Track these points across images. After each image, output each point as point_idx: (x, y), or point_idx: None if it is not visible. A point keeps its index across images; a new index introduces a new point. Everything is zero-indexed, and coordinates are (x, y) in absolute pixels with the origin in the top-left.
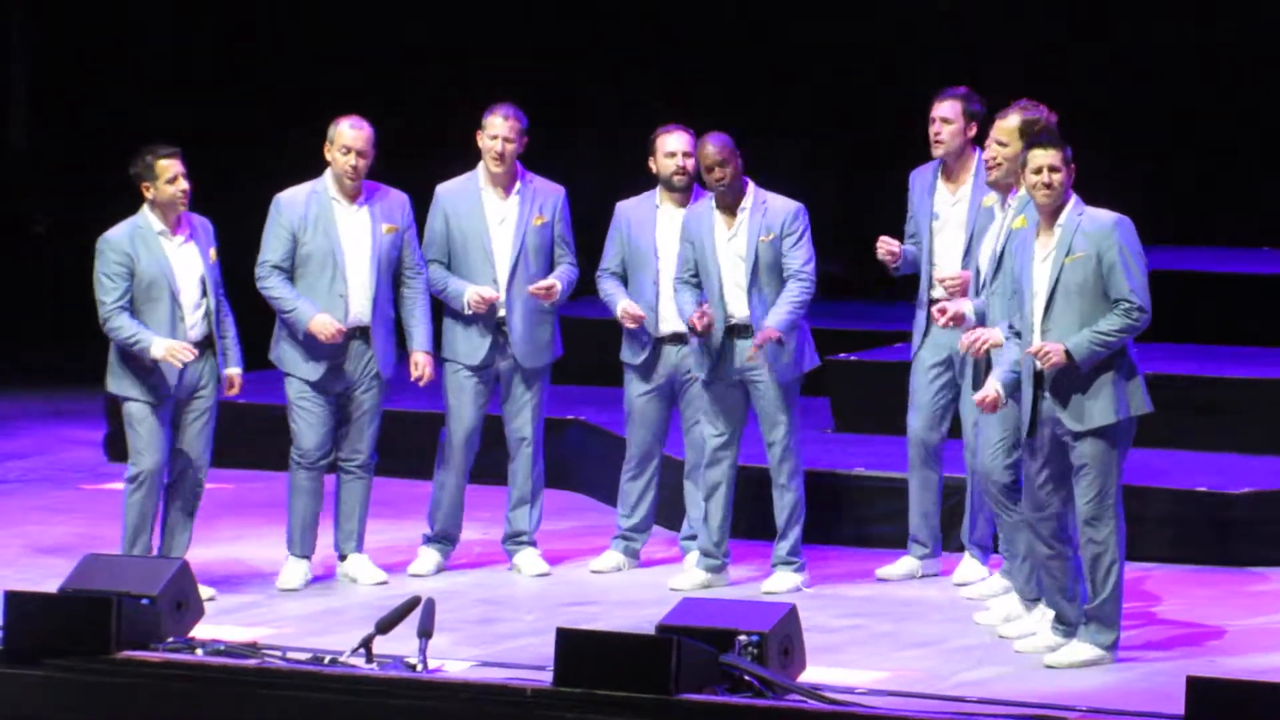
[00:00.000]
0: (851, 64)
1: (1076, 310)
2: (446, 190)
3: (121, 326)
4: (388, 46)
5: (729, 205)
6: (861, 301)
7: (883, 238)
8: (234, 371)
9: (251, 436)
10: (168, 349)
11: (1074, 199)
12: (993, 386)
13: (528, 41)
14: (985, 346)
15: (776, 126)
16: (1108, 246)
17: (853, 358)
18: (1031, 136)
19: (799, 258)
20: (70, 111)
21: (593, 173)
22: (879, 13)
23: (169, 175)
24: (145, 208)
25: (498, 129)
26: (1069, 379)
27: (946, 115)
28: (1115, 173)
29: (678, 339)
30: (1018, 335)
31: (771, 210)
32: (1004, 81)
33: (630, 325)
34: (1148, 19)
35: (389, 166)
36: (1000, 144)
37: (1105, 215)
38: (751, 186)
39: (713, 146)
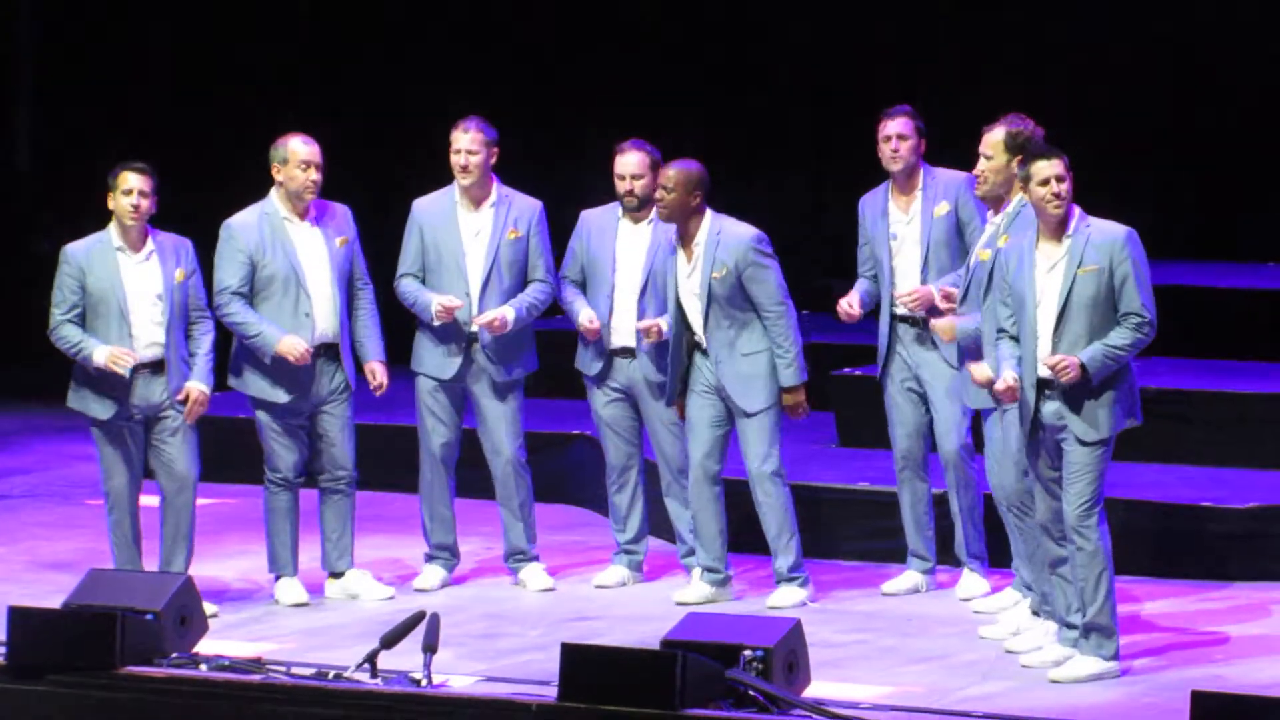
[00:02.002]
0: (849, 82)
1: (1087, 322)
2: (422, 205)
3: (66, 336)
4: (375, 61)
5: (687, 238)
6: (865, 316)
7: (841, 301)
8: (191, 385)
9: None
10: (109, 356)
11: (1077, 209)
12: (1010, 375)
13: (517, 58)
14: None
15: (775, 138)
16: (1120, 260)
17: (856, 372)
18: (1030, 148)
19: (764, 295)
20: (74, 133)
21: (581, 191)
22: (878, 33)
23: (125, 187)
24: (111, 223)
25: (460, 142)
26: (1081, 389)
27: (903, 132)
28: (1116, 186)
29: (629, 353)
30: (1013, 339)
31: (725, 244)
32: (1007, 95)
33: (588, 337)
34: (1151, 30)
35: (375, 182)
36: (986, 157)
37: (1114, 227)
38: (709, 217)
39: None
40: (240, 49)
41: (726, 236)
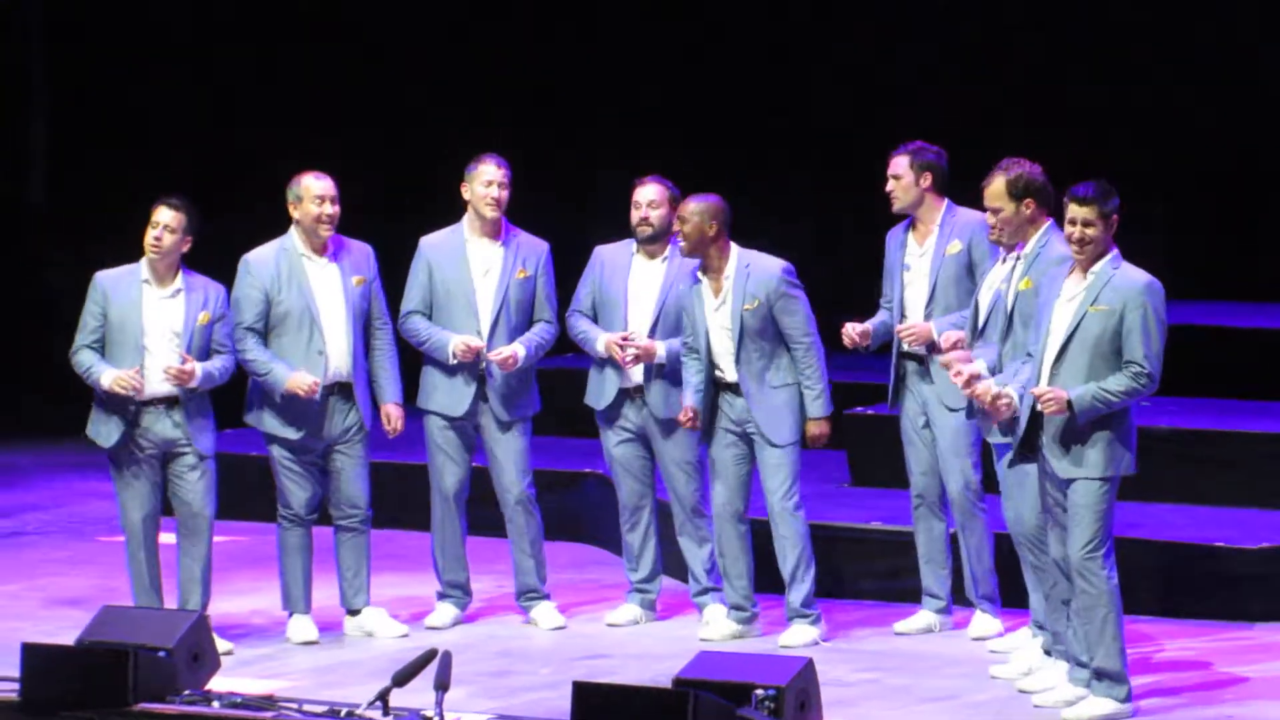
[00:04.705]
0: (859, 112)
1: (1087, 360)
2: (430, 242)
3: (81, 360)
4: (378, 104)
5: (713, 271)
6: (877, 355)
7: (846, 326)
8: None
9: (265, 490)
10: (115, 379)
11: (1114, 251)
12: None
13: (518, 93)
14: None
15: (789, 168)
16: (1133, 307)
17: (869, 411)
18: (1073, 187)
19: (796, 325)
20: (88, 168)
21: (578, 227)
22: (885, 66)
23: (153, 220)
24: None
25: (493, 175)
26: (1069, 427)
27: (895, 172)
28: (1130, 224)
29: (640, 391)
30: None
31: (755, 277)
32: (1023, 134)
33: (617, 354)
34: (1169, 67)
35: (376, 221)
36: (994, 211)
37: (1138, 275)
38: (735, 251)
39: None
40: (255, 86)
41: (756, 269)
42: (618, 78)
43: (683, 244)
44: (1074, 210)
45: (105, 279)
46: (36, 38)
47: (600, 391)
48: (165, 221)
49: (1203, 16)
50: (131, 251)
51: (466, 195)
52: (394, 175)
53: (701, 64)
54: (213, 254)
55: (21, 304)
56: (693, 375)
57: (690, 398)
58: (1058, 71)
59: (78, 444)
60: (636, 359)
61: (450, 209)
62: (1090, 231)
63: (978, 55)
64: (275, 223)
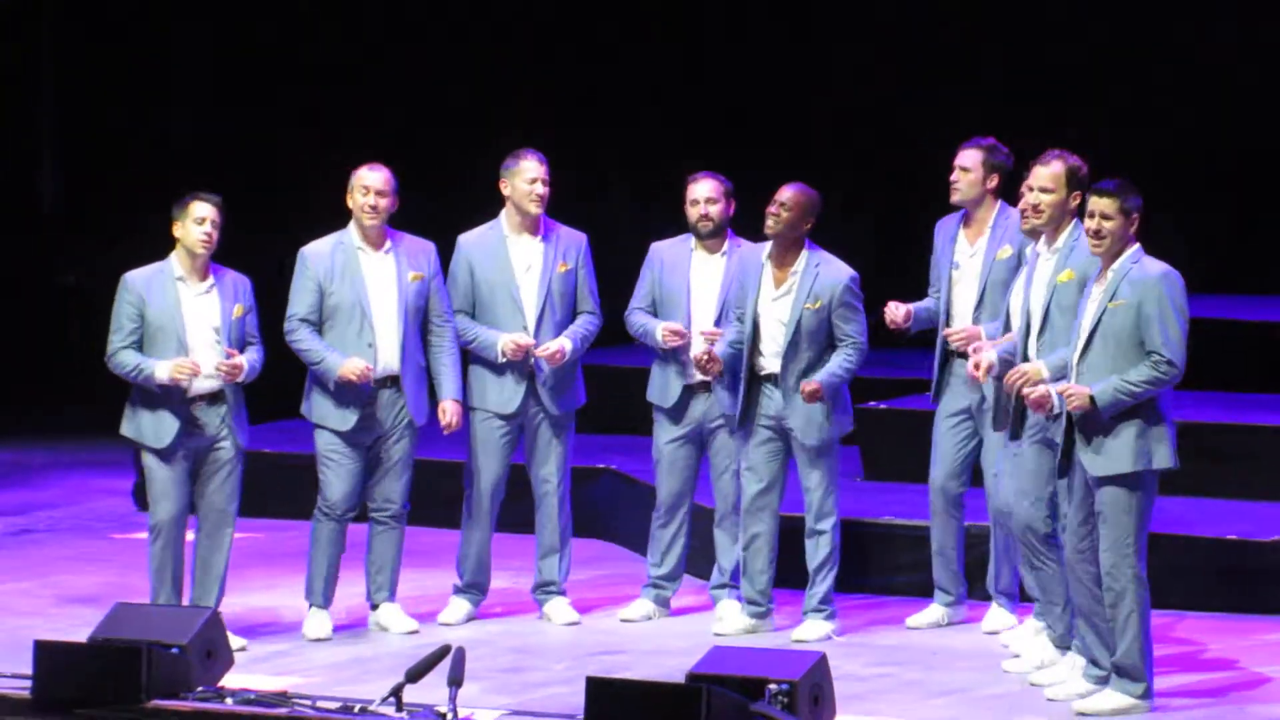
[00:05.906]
0: (890, 111)
1: (1111, 356)
2: (469, 240)
3: (124, 361)
4: (407, 102)
5: (782, 262)
6: (891, 350)
7: (890, 304)
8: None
9: (283, 486)
10: (173, 367)
11: (1135, 247)
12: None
13: (553, 90)
14: (1022, 383)
15: (815, 170)
16: (1150, 298)
17: (882, 406)
18: (1096, 182)
19: (852, 331)
20: (100, 172)
21: (620, 221)
22: (915, 60)
23: (198, 215)
24: (174, 252)
25: (536, 171)
26: (1095, 423)
27: (965, 164)
28: (1153, 218)
29: (706, 387)
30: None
31: (823, 278)
32: (1037, 129)
33: (676, 341)
34: (1185, 61)
35: (410, 219)
36: (1045, 190)
37: (1155, 266)
38: (807, 248)
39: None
40: (260, 96)
41: (825, 271)
42: (626, 78)
43: (770, 226)
44: (1094, 202)
45: (137, 279)
46: (45, 38)
47: (665, 388)
48: (212, 217)
49: (1205, 16)
50: (143, 251)
51: (506, 191)
52: (401, 175)
53: (708, 63)
54: (224, 254)
55: (33, 303)
56: (732, 333)
57: (719, 346)
58: (1060, 72)
59: (89, 442)
60: (709, 355)
61: (470, 206)
62: (1107, 224)
63: (978, 56)
64: (282, 223)
